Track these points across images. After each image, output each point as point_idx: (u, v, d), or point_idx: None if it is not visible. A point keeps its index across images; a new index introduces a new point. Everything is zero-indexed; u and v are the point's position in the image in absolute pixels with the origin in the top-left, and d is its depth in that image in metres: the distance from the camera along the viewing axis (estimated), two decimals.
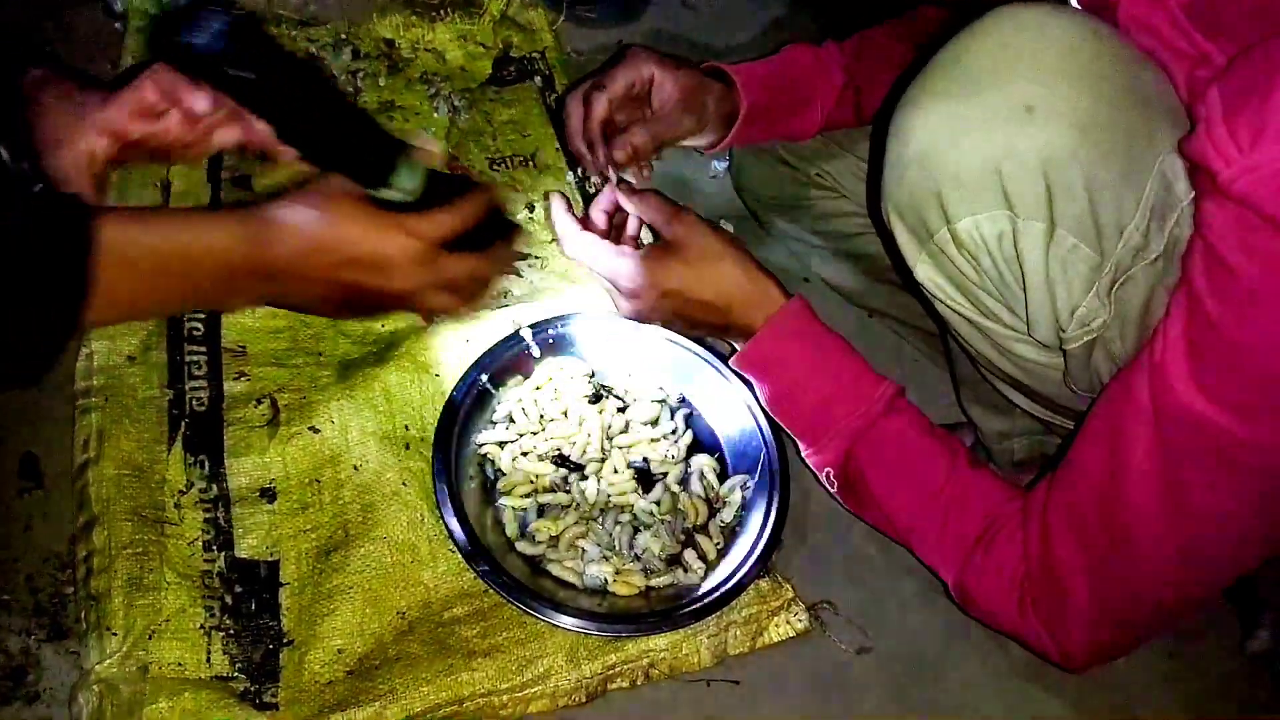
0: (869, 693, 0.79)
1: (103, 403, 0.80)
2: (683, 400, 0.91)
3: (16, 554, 0.73)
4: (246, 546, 0.76)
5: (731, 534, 0.82)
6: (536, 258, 1.00)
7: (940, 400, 0.98)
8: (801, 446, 0.81)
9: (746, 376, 0.83)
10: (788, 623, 0.80)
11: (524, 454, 0.83)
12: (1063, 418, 0.78)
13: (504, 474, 0.83)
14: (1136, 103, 0.60)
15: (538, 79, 1.19)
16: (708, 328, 0.83)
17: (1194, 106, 0.59)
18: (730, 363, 0.83)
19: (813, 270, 1.08)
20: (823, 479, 0.80)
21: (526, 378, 0.88)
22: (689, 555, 0.80)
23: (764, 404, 0.83)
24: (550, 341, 0.89)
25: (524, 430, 0.85)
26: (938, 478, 0.74)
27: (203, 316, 0.88)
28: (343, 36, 1.15)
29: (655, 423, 0.88)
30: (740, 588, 0.77)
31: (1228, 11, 0.59)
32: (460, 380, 0.85)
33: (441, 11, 1.20)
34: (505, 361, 0.87)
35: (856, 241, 1.00)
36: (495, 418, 0.86)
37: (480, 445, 0.84)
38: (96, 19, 1.12)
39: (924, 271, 0.70)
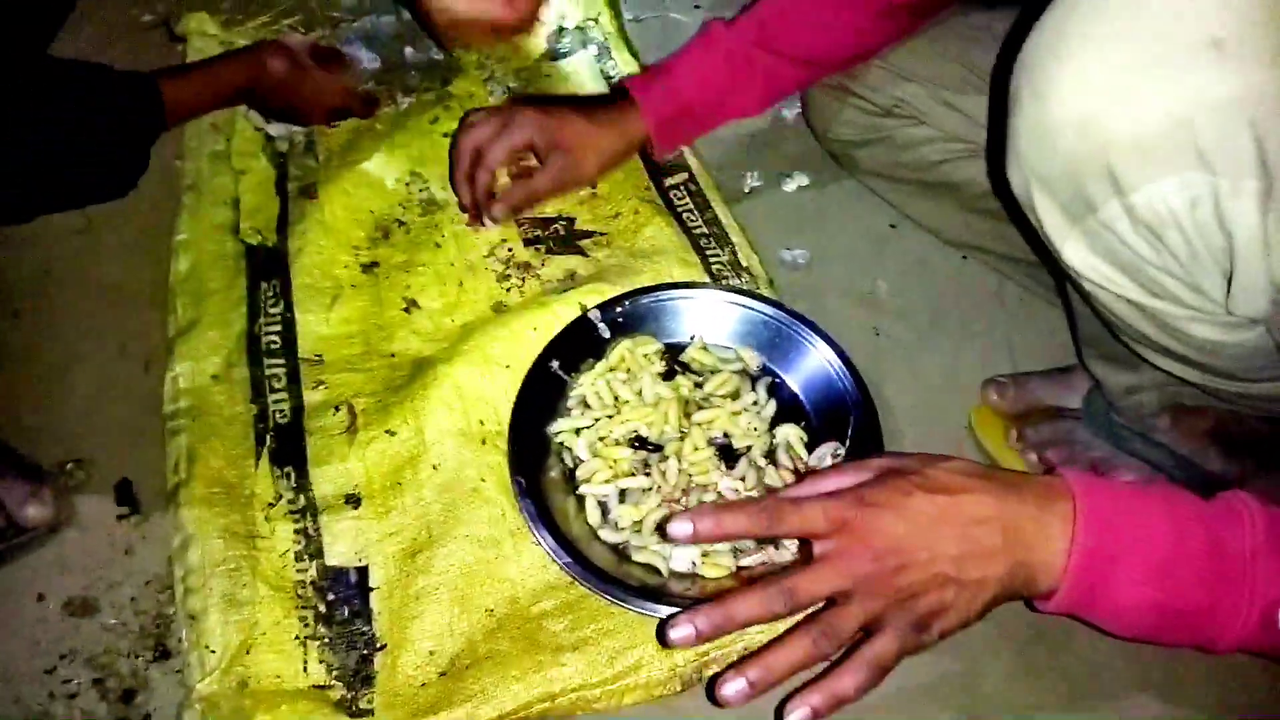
0: (986, 662, 0.73)
1: (190, 423, 0.82)
2: (764, 369, 0.86)
3: (120, 578, 0.76)
4: (336, 554, 0.77)
5: None
6: (602, 234, 0.96)
7: (1052, 340, 0.90)
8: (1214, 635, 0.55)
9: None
10: None
11: (601, 439, 0.81)
12: (1225, 381, 0.67)
13: (582, 461, 0.81)
14: None
15: (593, 48, 1.15)
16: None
17: None
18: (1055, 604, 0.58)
19: (902, 211, 1.00)
20: None
21: (599, 360, 0.85)
22: None
23: (1127, 622, 0.57)
24: (620, 321, 0.86)
25: (599, 415, 0.82)
26: None
27: (279, 329, 0.89)
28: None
29: (736, 395, 0.84)
30: None
31: None
32: (531, 369, 0.83)
33: None
34: (576, 346, 0.85)
35: (943, 169, 0.92)
36: (569, 404, 0.84)
37: (556, 434, 0.82)
38: (163, 42, 1.16)
39: (1075, 253, 0.59)
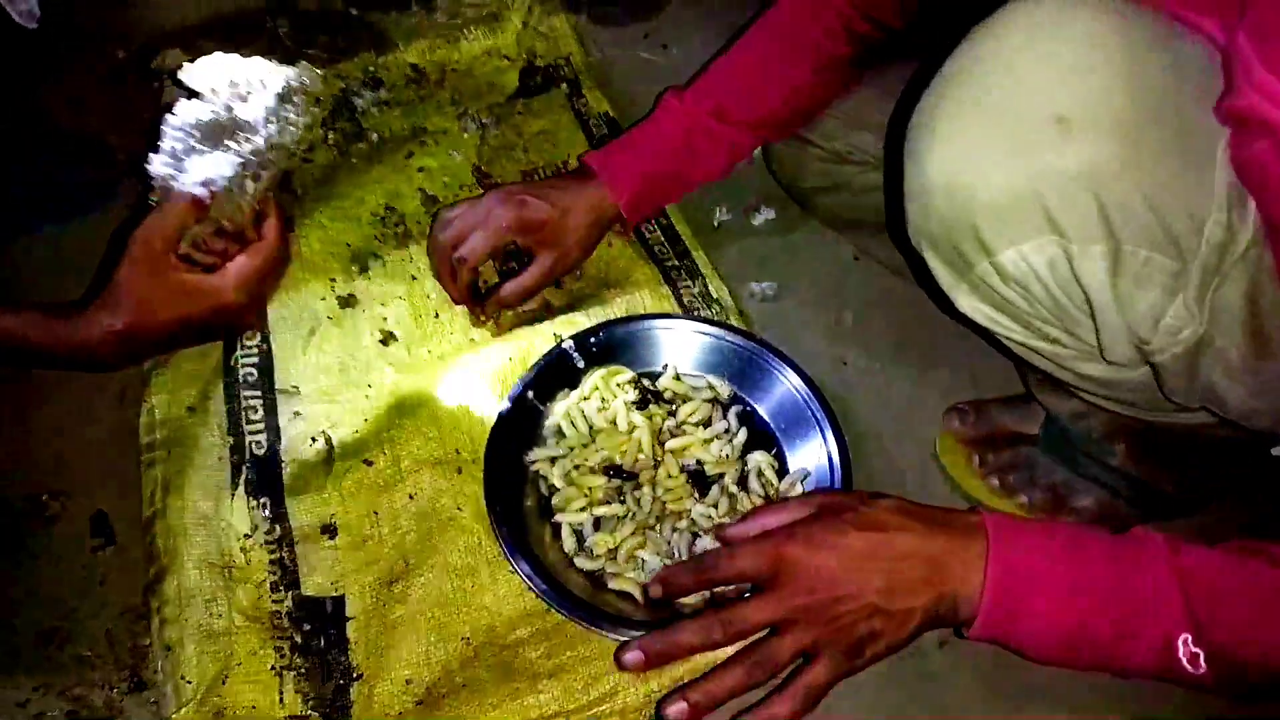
0: (954, 684, 0.75)
1: (166, 455, 0.83)
2: (735, 397, 0.88)
3: (95, 610, 0.76)
4: (312, 584, 0.77)
5: None
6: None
7: (1012, 369, 0.93)
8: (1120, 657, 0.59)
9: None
10: None
11: (575, 468, 0.82)
12: (1145, 412, 0.72)
13: (557, 490, 0.82)
14: (1181, 83, 0.54)
15: (564, 85, 1.17)
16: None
17: (1227, 63, 0.53)
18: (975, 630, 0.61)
19: (866, 251, 1.03)
20: (1183, 659, 0.56)
21: (573, 390, 0.87)
22: None
23: (1041, 647, 0.60)
24: (594, 351, 0.88)
25: (574, 443, 0.84)
26: None
27: (256, 360, 0.89)
28: (370, 69, 1.17)
29: (707, 423, 0.86)
30: None
31: None
32: (507, 398, 0.84)
33: (465, 31, 1.20)
34: (551, 376, 0.87)
35: None
36: (545, 434, 0.85)
37: (532, 462, 0.83)
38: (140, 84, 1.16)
39: (966, 302, 0.65)
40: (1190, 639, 0.55)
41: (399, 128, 1.11)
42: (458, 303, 0.93)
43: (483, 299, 0.93)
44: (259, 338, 0.90)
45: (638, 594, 0.76)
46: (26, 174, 1.02)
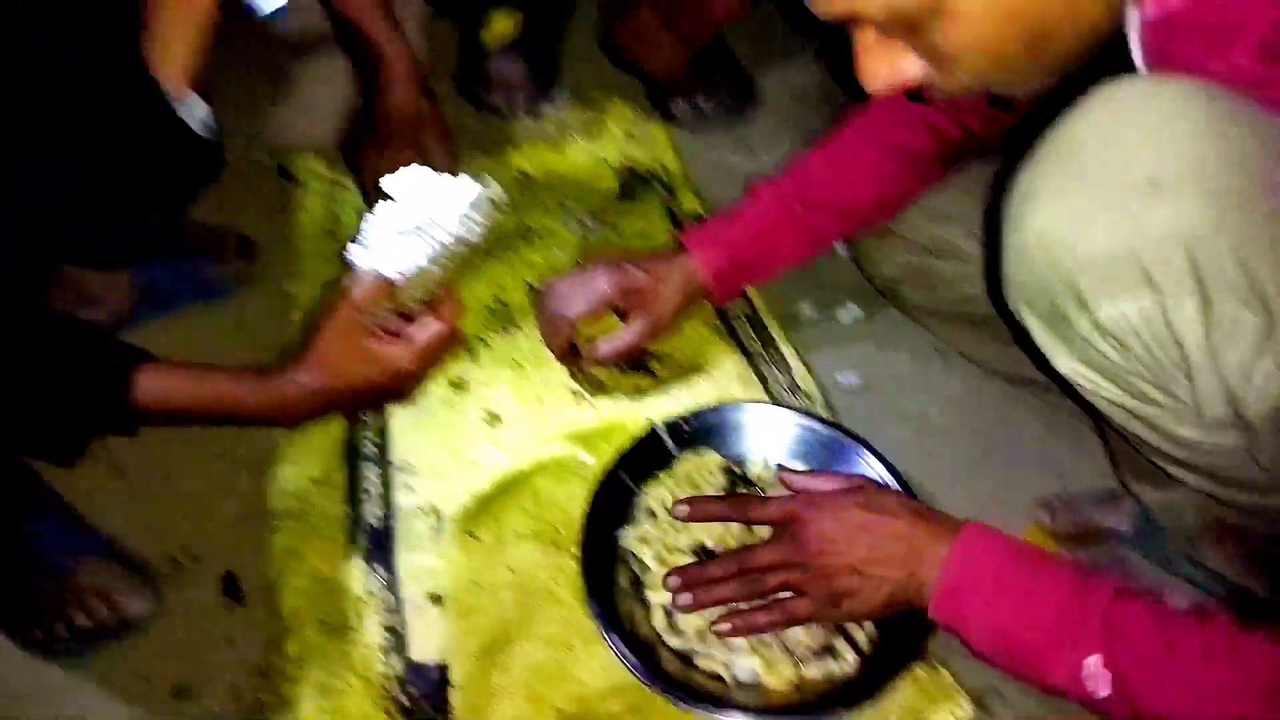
0: None
1: (293, 523, 0.90)
2: None
3: (223, 667, 0.82)
4: (420, 651, 0.82)
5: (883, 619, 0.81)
6: (668, 355, 1.04)
7: (1102, 464, 0.93)
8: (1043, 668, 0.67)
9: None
10: (951, 714, 0.78)
11: (666, 548, 0.86)
12: (1237, 491, 0.73)
13: (649, 569, 0.86)
14: (1266, 149, 0.57)
15: (660, 188, 1.26)
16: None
17: None
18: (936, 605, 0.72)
19: (947, 344, 1.07)
20: (1088, 679, 0.64)
21: (665, 472, 0.91)
22: (840, 643, 0.80)
23: (980, 641, 0.70)
24: (685, 435, 0.92)
25: (665, 525, 0.88)
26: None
27: (374, 438, 0.97)
28: (483, 172, 1.27)
29: None
30: (895, 675, 0.76)
31: None
32: (603, 479, 0.89)
33: (569, 138, 1.30)
34: (645, 458, 0.91)
35: (984, 303, 0.98)
36: (638, 514, 0.90)
37: (625, 541, 0.87)
38: (274, 182, 1.29)
39: (1066, 363, 0.68)
40: (1097, 666, 0.63)
41: (508, 226, 1.20)
42: (558, 358, 1.01)
43: (579, 356, 1.00)
44: (380, 415, 0.98)
45: (727, 676, 0.79)
46: (172, 261, 1.14)
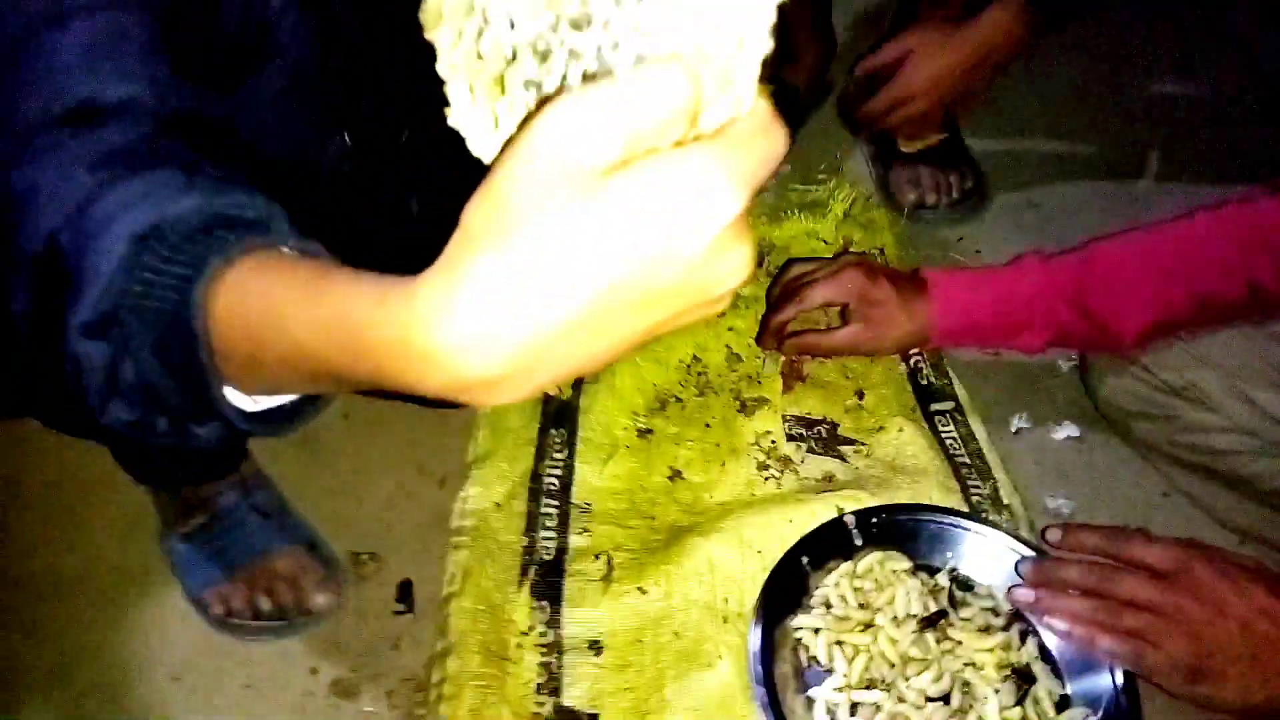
0: None
1: (471, 543, 0.91)
2: (1017, 614, 0.84)
3: (383, 670, 0.84)
4: (572, 696, 0.81)
5: None
6: (863, 444, 1.00)
7: None
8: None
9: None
10: None
11: (839, 643, 0.82)
12: None
13: (816, 660, 0.81)
14: None
15: None
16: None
17: None
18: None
19: (1175, 486, 0.97)
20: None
21: (847, 564, 0.87)
22: None
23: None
24: (873, 530, 0.88)
25: (841, 616, 0.83)
26: None
27: (559, 473, 0.98)
28: None
29: (987, 629, 0.82)
30: None
31: None
32: (782, 560, 0.86)
33: (787, 212, 1.30)
34: (827, 545, 0.87)
35: (1230, 460, 0.89)
36: (812, 601, 0.86)
37: (795, 628, 0.84)
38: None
39: None
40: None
41: None
42: (762, 335, 1.05)
43: (783, 339, 1.02)
44: (567, 452, 0.99)
45: None
46: None
